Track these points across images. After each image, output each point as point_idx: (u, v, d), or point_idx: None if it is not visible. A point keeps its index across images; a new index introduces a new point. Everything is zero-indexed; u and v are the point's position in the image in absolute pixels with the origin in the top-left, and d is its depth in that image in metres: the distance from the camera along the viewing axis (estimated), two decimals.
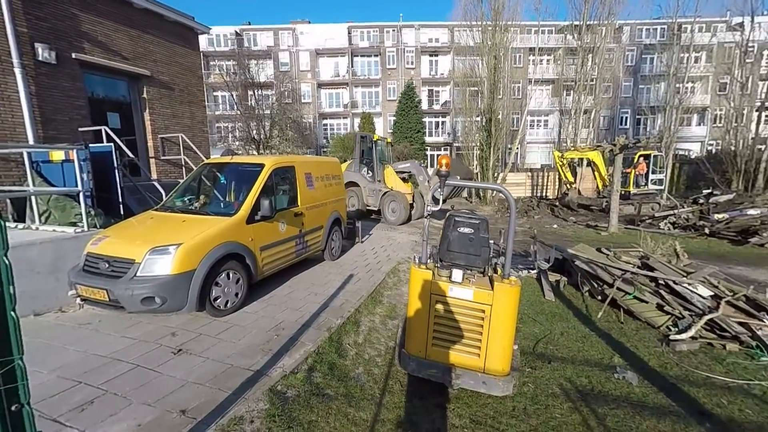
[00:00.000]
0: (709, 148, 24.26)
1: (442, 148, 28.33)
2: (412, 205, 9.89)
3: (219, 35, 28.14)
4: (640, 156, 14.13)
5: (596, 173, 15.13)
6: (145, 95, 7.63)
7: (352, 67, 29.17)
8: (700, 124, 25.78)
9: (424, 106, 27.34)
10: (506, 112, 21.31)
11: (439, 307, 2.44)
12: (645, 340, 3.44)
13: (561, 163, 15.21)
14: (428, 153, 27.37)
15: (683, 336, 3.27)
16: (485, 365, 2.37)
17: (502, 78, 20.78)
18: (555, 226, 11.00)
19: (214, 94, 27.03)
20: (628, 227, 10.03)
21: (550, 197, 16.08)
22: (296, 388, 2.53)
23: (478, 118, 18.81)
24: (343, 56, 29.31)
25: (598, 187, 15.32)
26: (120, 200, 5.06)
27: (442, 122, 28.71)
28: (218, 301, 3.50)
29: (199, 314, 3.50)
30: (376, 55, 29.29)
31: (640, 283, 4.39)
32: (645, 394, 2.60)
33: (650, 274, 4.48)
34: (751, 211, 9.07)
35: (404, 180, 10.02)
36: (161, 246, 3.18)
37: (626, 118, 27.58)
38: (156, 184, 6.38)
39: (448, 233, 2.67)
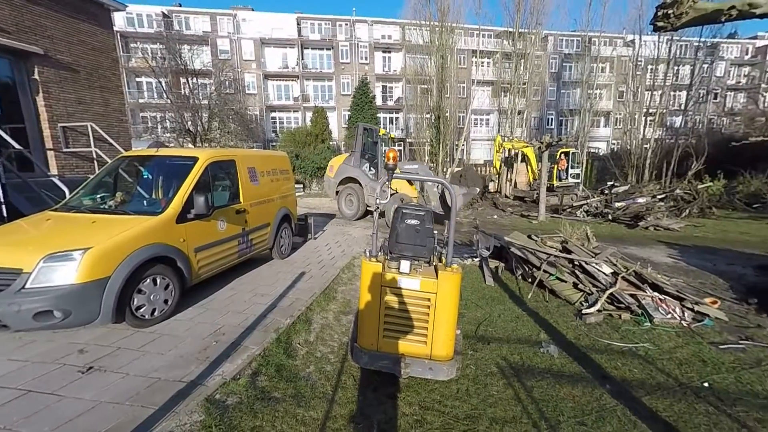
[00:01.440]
0: (612, 146, 28.10)
1: (396, 144, 28.69)
2: None
3: (141, 15, 24.64)
4: (561, 153, 15.87)
5: (528, 168, 16.63)
6: (36, 76, 6.38)
7: (302, 59, 27.80)
8: (605, 126, 29.69)
9: (379, 101, 27.28)
10: (453, 110, 22.30)
11: (389, 298, 2.45)
12: (564, 316, 3.84)
13: (498, 149, 16.26)
14: (384, 149, 27.52)
15: (591, 310, 3.74)
16: (431, 352, 2.43)
17: (449, 77, 21.60)
18: (495, 216, 11.83)
19: (138, 80, 23.76)
20: (553, 216, 11.19)
21: (492, 191, 17.33)
22: (238, 394, 2.36)
23: (429, 115, 19.37)
24: (293, 48, 27.77)
25: (529, 180, 16.86)
26: (1, 199, 4.23)
27: (396, 118, 28.97)
28: (142, 310, 3.11)
29: (117, 326, 3.09)
30: (328, 49, 28.27)
31: (561, 265, 4.90)
32: (563, 364, 2.90)
33: (568, 256, 5.02)
34: (640, 200, 10.76)
35: (409, 183, 9.26)
36: (62, 251, 2.71)
37: (552, 119, 30.65)
38: (56, 180, 5.41)
39: (396, 225, 2.68)
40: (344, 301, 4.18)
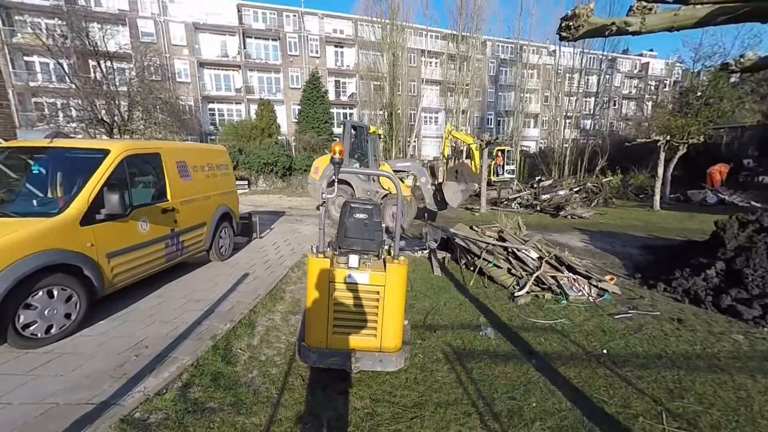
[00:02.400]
0: (540, 145, 31.35)
1: (382, 140, 28.27)
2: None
3: None
4: (499, 150, 17.22)
5: (473, 163, 17.73)
6: None
7: (244, 48, 25.63)
8: (535, 127, 32.95)
9: (332, 96, 26.45)
10: (405, 107, 22.70)
11: (338, 294, 2.40)
12: (500, 300, 4.18)
13: (446, 136, 16.94)
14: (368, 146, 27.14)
15: (521, 292, 4.12)
16: (381, 344, 2.45)
17: (401, 75, 21.85)
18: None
19: (27, 59, 19.69)
20: (492, 208, 12.12)
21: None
22: (163, 410, 2.12)
23: (382, 112, 19.44)
24: (233, 35, 25.42)
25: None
26: None
27: (350, 114, 28.43)
28: (32, 328, 2.64)
29: None
30: (274, 39, 26.45)
31: (497, 253, 5.30)
32: (498, 344, 3.15)
33: (503, 244, 5.45)
34: (561, 192, 12.20)
35: (401, 180, 8.67)
36: None
37: (491, 119, 32.96)
38: None
39: (344, 220, 2.62)
40: (293, 301, 4.00)
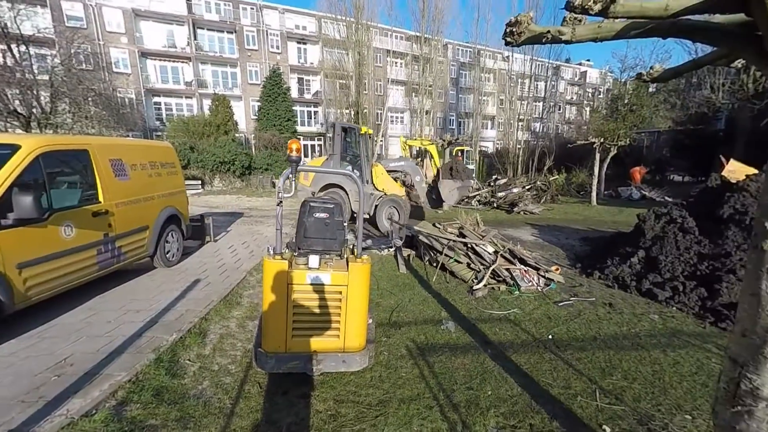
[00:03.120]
0: (497, 146, 33.24)
1: (316, 138, 27.49)
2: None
3: None
4: (458, 150, 17.92)
5: (432, 163, 18.24)
6: None
7: (195, 39, 23.68)
8: (492, 129, 34.83)
9: (294, 94, 25.47)
10: (371, 106, 22.60)
11: (297, 296, 2.32)
12: (460, 294, 4.33)
13: (404, 147, 17.40)
14: (301, 143, 26.23)
15: (479, 285, 4.32)
16: (345, 344, 2.41)
17: (367, 74, 21.68)
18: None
19: None
20: (454, 206, 12.56)
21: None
22: None
23: (348, 111, 19.16)
24: (182, 25, 23.39)
25: (434, 174, 18.52)
26: None
27: (315, 112, 27.67)
28: None
29: None
30: (230, 32, 24.78)
31: (458, 249, 5.50)
32: (458, 337, 3.27)
33: (463, 240, 5.66)
34: (515, 190, 13.02)
35: (395, 180, 8.48)
36: None
37: (453, 120, 34.17)
38: None
39: (304, 220, 2.54)
40: (251, 306, 3.80)
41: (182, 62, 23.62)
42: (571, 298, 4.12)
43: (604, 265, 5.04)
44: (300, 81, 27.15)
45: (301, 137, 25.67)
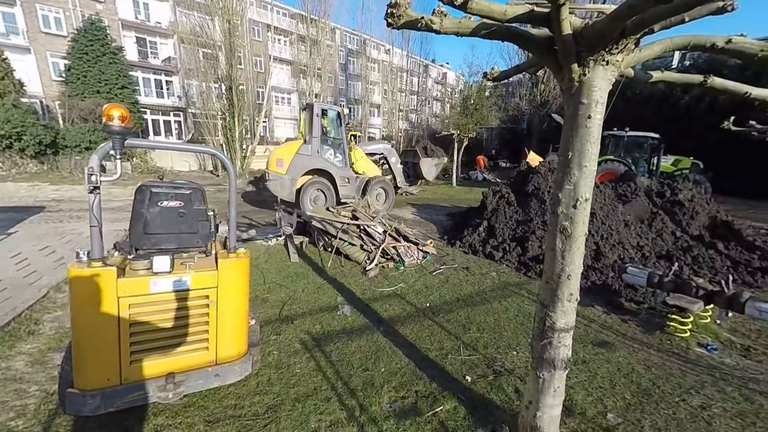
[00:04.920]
0: (383, 133, 34.73)
1: (172, 113, 21.48)
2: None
3: None
4: (351, 135, 17.74)
5: None
6: None
7: None
8: (378, 116, 35.98)
9: (133, 56, 18.72)
10: (251, 84, 19.11)
11: (137, 310, 1.72)
12: (355, 276, 4.28)
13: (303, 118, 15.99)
14: (148, 117, 19.94)
15: (371, 265, 4.39)
16: (217, 356, 1.95)
17: (241, 47, 17.90)
18: None
19: None
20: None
21: None
22: None
23: (217, 85, 15.57)
24: None
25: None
26: None
27: (168, 82, 21.31)
28: None
29: None
30: None
31: (351, 231, 5.43)
32: (354, 320, 3.20)
33: (356, 222, 5.62)
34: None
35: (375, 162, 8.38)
36: None
37: (343, 105, 33.26)
38: None
39: (143, 211, 1.88)
40: (58, 334, 2.69)
41: None
42: (441, 267, 4.69)
43: (462, 235, 6.00)
44: (141, 42, 20.35)
45: (149, 110, 19.80)
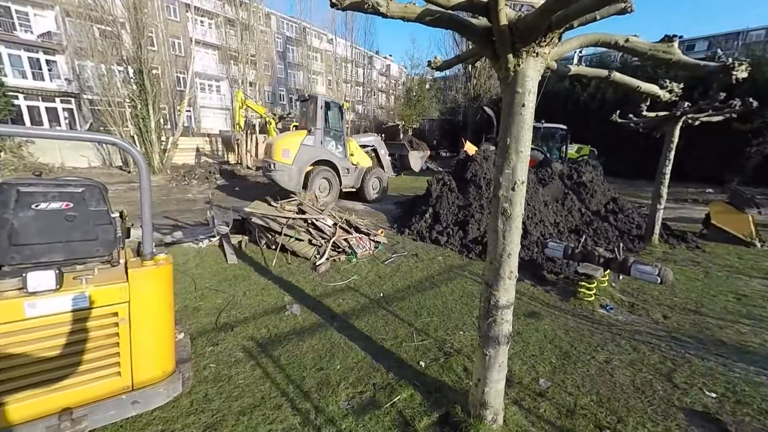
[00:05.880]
0: None
1: (58, 99, 17.11)
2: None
3: None
4: (294, 126, 16.59)
5: (268, 137, 16.02)
6: None
7: None
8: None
9: None
10: (168, 68, 16.21)
11: (8, 341, 1.37)
12: (304, 273, 4.01)
13: (240, 105, 14.34)
14: (23, 103, 15.71)
15: (322, 260, 4.16)
16: (133, 380, 1.64)
17: (153, 26, 14.92)
18: (237, 188, 10.60)
19: None
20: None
21: (233, 162, 15.29)
22: None
23: (122, 68, 12.73)
24: None
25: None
26: None
27: (50, 61, 16.80)
28: None
29: None
30: None
31: (298, 226, 5.06)
32: (305, 319, 2.98)
33: (303, 216, 5.26)
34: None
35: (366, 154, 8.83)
36: None
37: (283, 95, 30.81)
38: None
39: (6, 217, 1.47)
40: None
41: None
42: (393, 255, 4.69)
43: (410, 223, 6.13)
44: (6, 11, 15.73)
45: (24, 94, 15.71)
